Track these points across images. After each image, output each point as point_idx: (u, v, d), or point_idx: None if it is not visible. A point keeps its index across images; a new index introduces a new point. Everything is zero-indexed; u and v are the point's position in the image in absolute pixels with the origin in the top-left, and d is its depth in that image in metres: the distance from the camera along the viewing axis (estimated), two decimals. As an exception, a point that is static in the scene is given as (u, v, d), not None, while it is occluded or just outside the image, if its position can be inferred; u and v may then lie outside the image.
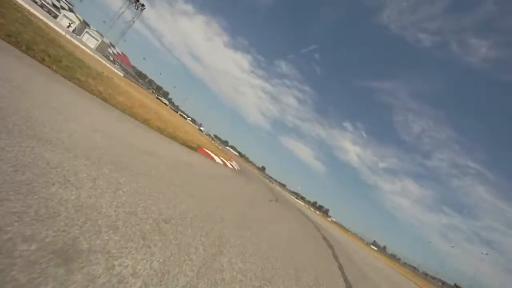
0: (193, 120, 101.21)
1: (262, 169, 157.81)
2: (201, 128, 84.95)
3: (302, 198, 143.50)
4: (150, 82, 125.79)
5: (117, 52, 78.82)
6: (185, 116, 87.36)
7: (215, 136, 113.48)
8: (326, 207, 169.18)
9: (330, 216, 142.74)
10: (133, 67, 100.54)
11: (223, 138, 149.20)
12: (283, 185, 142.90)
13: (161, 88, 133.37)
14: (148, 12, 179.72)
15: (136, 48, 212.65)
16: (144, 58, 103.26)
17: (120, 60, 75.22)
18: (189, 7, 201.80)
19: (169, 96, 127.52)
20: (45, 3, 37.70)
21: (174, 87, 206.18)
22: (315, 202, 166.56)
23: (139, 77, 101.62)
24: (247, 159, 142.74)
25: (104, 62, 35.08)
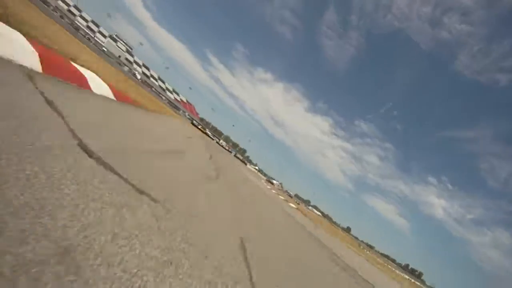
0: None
1: (348, 230, 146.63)
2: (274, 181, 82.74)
3: (393, 261, 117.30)
4: (216, 130, 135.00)
5: (181, 99, 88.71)
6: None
7: (296, 195, 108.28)
8: (418, 269, 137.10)
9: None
10: (198, 115, 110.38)
11: (305, 198, 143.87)
12: (371, 247, 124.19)
13: (237, 145, 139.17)
14: (229, 80, 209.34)
15: (224, 117, 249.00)
16: (212, 109, 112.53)
17: (184, 107, 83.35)
18: (268, 75, 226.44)
19: (247, 154, 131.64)
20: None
21: (249, 140, 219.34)
22: (407, 265, 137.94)
23: (202, 122, 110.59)
24: (330, 219, 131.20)
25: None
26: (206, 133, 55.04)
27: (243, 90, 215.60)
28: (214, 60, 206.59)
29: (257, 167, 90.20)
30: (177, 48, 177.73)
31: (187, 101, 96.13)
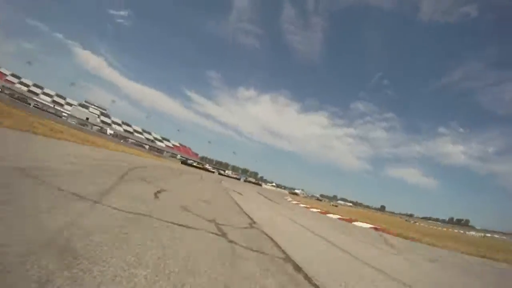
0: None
1: (382, 209, 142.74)
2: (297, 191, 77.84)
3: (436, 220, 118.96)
4: (221, 163, 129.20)
5: (173, 145, 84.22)
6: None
7: (321, 195, 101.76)
8: (463, 218, 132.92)
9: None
10: (197, 155, 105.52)
11: (330, 195, 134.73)
12: (410, 215, 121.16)
13: (246, 170, 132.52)
14: (216, 110, 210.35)
15: (224, 148, 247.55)
16: (209, 142, 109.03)
17: (178, 151, 78.57)
18: (251, 92, 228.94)
19: (260, 175, 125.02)
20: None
21: (256, 161, 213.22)
22: (451, 218, 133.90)
23: (203, 160, 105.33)
24: (364, 206, 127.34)
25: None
26: (204, 168, 48.56)
27: (233, 115, 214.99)
28: (193, 95, 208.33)
29: (274, 184, 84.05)
30: (153, 96, 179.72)
31: (180, 144, 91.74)
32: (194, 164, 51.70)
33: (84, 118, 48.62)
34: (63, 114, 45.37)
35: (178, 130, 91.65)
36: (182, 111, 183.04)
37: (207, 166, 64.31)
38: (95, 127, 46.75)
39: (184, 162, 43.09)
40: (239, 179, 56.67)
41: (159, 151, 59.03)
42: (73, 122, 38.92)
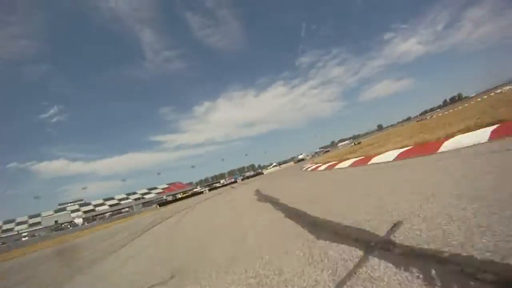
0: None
1: (379, 128, 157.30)
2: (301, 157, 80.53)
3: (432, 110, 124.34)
4: (216, 176, 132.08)
5: (162, 189, 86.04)
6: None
7: (320, 148, 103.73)
8: (455, 95, 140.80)
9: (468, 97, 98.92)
10: (191, 183, 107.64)
11: (327, 144, 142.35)
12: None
13: (243, 169, 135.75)
14: (183, 137, 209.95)
15: (211, 165, 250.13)
16: (192, 167, 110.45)
17: (168, 191, 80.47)
18: (206, 104, 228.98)
19: (258, 164, 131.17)
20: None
21: (246, 154, 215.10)
22: (444, 100, 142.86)
23: (201, 183, 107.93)
24: (363, 136, 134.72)
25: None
26: (191, 195, 50.33)
27: (202, 131, 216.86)
28: (158, 138, 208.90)
29: (274, 164, 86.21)
30: (124, 161, 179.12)
31: (169, 184, 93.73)
32: (179, 195, 53.81)
33: (52, 223, 49.78)
34: (22, 235, 45.37)
35: (159, 173, 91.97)
36: (157, 156, 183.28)
37: (197, 189, 65.63)
38: (78, 220, 48.19)
39: (162, 204, 44.45)
40: (235, 181, 55.76)
41: (147, 203, 60.86)
42: (41, 234, 40.45)
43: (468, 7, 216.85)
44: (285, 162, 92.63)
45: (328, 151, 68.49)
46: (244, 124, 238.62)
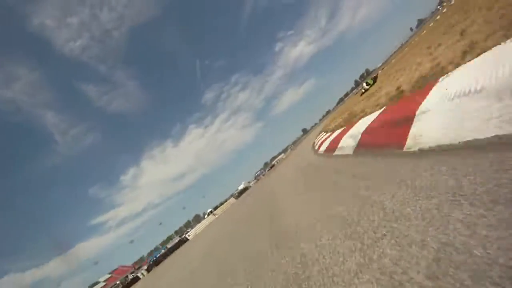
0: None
1: (304, 131, 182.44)
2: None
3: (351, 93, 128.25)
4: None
5: (104, 281, 62.95)
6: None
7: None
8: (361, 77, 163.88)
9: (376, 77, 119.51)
10: (146, 260, 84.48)
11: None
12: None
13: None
14: (124, 210, 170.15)
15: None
16: (131, 241, 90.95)
17: (114, 280, 59.38)
18: (131, 170, 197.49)
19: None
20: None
21: (184, 208, 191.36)
22: (356, 81, 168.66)
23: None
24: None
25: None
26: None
27: (137, 200, 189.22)
28: (98, 219, 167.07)
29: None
30: (92, 247, 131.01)
31: (110, 272, 70.12)
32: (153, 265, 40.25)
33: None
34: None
35: (132, 241, 73.68)
36: (103, 239, 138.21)
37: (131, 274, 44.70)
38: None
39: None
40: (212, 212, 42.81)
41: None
42: None
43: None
44: (221, 203, 61.00)
45: (273, 165, 54.88)
46: (174, 179, 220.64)
